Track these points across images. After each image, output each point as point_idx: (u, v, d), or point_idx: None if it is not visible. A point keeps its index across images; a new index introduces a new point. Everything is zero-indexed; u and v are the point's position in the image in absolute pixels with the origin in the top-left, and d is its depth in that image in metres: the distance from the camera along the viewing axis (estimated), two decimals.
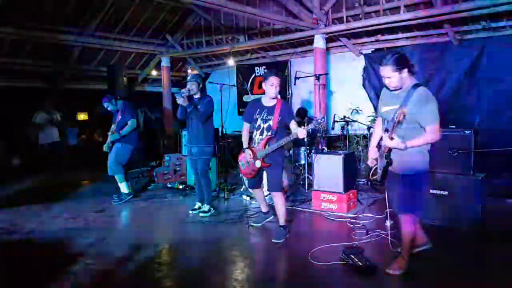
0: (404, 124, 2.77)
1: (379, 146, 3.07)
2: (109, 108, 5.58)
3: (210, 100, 4.70)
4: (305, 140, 5.77)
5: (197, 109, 4.60)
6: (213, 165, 6.03)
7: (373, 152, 3.16)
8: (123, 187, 5.61)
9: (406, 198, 2.96)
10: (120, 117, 5.48)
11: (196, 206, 4.97)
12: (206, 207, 4.87)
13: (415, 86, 2.83)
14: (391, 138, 2.72)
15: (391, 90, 2.95)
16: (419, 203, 2.99)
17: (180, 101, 4.45)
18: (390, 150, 2.86)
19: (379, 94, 3.03)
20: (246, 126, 4.11)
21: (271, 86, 3.80)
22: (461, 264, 3.26)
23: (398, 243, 3.27)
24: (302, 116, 6.54)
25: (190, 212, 4.92)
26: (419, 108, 2.75)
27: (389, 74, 2.83)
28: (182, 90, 4.52)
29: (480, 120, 6.19)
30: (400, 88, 2.88)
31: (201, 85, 4.71)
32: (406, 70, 2.82)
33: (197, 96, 4.70)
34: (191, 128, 4.75)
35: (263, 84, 3.89)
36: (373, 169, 3.14)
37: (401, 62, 2.81)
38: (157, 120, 10.60)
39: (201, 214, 4.81)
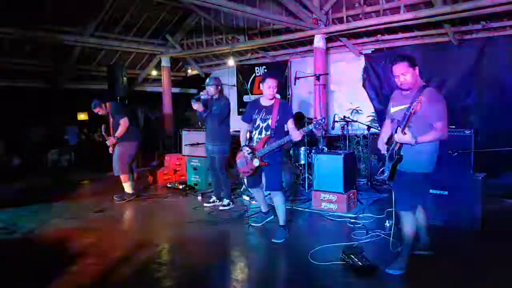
0: (413, 124, 2.81)
1: (387, 144, 3.11)
2: (99, 113, 5.58)
3: (226, 103, 4.98)
4: (305, 140, 5.77)
5: (211, 111, 4.92)
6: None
7: (381, 143, 3.20)
8: (127, 187, 5.62)
9: (407, 195, 2.99)
10: (111, 119, 5.48)
11: (211, 200, 5.27)
12: (225, 201, 5.16)
13: (424, 87, 2.92)
14: (404, 133, 2.77)
15: (403, 90, 3.01)
16: (418, 202, 3.06)
17: (195, 107, 4.88)
18: (401, 146, 2.91)
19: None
20: (244, 126, 4.15)
21: (268, 88, 3.84)
22: (461, 264, 3.26)
23: (398, 243, 3.28)
24: (299, 121, 6.53)
25: (205, 204, 5.26)
26: (428, 107, 2.80)
27: (404, 70, 2.90)
28: (201, 93, 4.91)
29: (480, 120, 6.19)
30: (411, 88, 2.95)
31: (220, 87, 4.98)
32: (417, 68, 2.93)
33: (215, 96, 4.98)
34: (208, 127, 5.07)
35: (261, 85, 3.94)
36: (381, 169, 3.16)
37: (413, 60, 2.93)
38: (157, 120, 10.59)
39: (220, 208, 5.09)
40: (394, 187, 3.19)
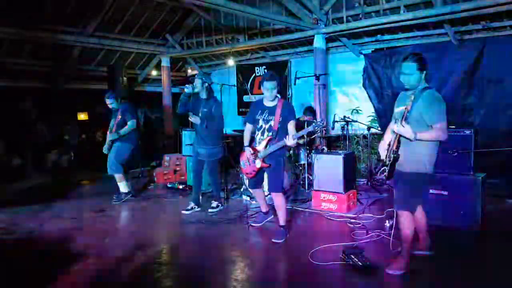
0: (412, 125, 2.83)
1: (388, 145, 3.10)
2: (111, 106, 5.57)
3: (217, 104, 4.81)
4: (305, 140, 5.77)
5: (199, 112, 4.71)
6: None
7: (382, 148, 3.19)
8: (122, 187, 5.60)
9: (406, 195, 3.00)
10: (120, 116, 5.47)
11: (189, 207, 4.99)
12: (214, 203, 5.02)
13: (426, 88, 2.94)
14: (403, 126, 2.77)
15: (406, 90, 3.05)
16: (417, 202, 3.07)
17: (186, 89, 4.71)
18: (398, 145, 2.91)
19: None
20: (248, 127, 4.14)
21: (266, 90, 3.85)
22: (461, 264, 3.26)
23: (398, 243, 3.28)
24: (312, 113, 6.51)
25: (183, 211, 4.93)
26: (427, 108, 2.83)
27: (412, 71, 2.90)
28: (186, 85, 4.74)
29: (480, 120, 6.19)
30: (415, 88, 2.97)
31: (206, 85, 4.79)
32: (425, 73, 2.94)
33: (203, 96, 4.81)
34: (198, 129, 4.85)
35: (261, 87, 3.95)
36: (381, 168, 3.17)
37: (425, 64, 2.92)
38: (157, 120, 10.59)
39: (210, 210, 4.94)
40: (394, 186, 3.21)
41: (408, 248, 3.07)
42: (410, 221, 3.03)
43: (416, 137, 2.79)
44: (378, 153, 3.25)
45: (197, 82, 4.73)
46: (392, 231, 3.51)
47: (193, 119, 4.73)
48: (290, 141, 3.65)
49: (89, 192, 6.48)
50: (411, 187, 2.98)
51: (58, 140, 9.07)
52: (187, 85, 4.72)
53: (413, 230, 3.07)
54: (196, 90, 4.75)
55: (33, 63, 8.30)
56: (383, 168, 3.11)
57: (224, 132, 5.24)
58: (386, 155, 3.06)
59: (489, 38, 6.24)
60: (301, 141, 5.75)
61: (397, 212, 3.07)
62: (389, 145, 3.10)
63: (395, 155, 2.91)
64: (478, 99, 6.29)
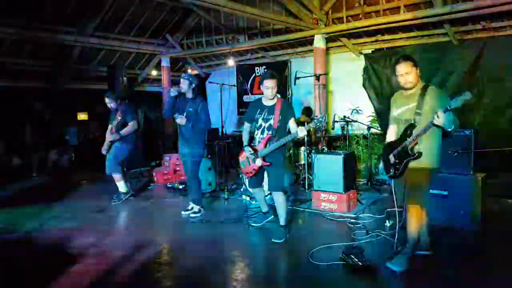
0: (423, 119, 2.94)
1: (395, 143, 3.16)
2: (110, 105, 5.56)
3: (203, 104, 4.71)
4: (305, 140, 5.77)
5: (184, 112, 4.65)
6: (211, 165, 6.06)
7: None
8: (121, 187, 5.60)
9: (420, 191, 3.03)
10: (120, 117, 5.46)
11: (189, 207, 4.95)
12: (196, 208, 4.88)
13: (426, 86, 3.03)
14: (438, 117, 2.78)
15: (405, 90, 3.11)
16: (428, 198, 3.17)
17: (171, 90, 4.66)
18: (415, 145, 2.99)
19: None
20: (246, 126, 4.15)
21: (266, 89, 3.85)
22: (461, 264, 3.26)
23: (399, 243, 3.28)
24: (309, 115, 6.53)
25: (183, 212, 4.90)
26: (437, 100, 2.91)
27: (408, 69, 3.02)
28: (172, 88, 4.70)
29: (480, 120, 6.19)
30: (413, 87, 3.07)
31: (193, 85, 4.69)
32: (418, 68, 3.06)
33: (189, 96, 4.73)
34: (182, 129, 4.78)
35: (261, 86, 3.95)
36: (380, 166, 3.21)
37: (415, 60, 3.06)
38: (157, 120, 10.60)
39: (191, 215, 4.82)
40: (397, 184, 3.22)
41: (412, 245, 3.08)
42: (419, 217, 3.05)
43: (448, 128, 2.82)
44: (383, 162, 3.26)
45: (184, 82, 4.65)
46: (393, 231, 3.51)
47: (179, 120, 4.64)
48: (302, 132, 3.62)
49: (89, 192, 6.47)
50: (426, 182, 3.04)
51: (58, 140, 9.06)
52: (172, 89, 4.67)
53: (419, 227, 3.08)
54: (182, 91, 4.67)
55: (33, 63, 8.31)
56: (381, 166, 3.15)
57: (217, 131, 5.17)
58: (396, 155, 3.08)
59: (489, 38, 6.24)
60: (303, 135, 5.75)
61: (408, 207, 3.07)
62: (393, 144, 3.13)
63: (418, 153, 2.97)
64: (478, 99, 6.29)
